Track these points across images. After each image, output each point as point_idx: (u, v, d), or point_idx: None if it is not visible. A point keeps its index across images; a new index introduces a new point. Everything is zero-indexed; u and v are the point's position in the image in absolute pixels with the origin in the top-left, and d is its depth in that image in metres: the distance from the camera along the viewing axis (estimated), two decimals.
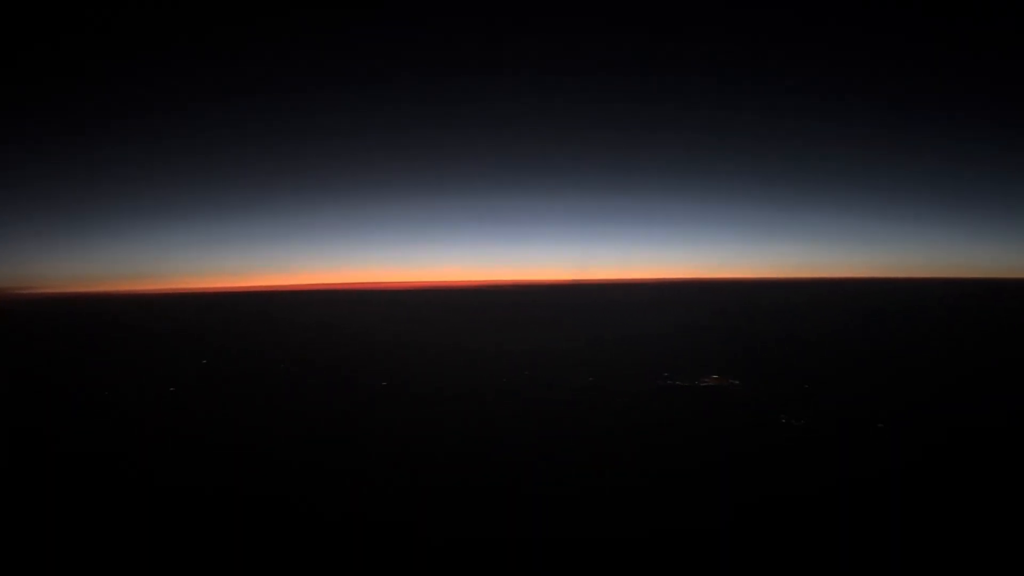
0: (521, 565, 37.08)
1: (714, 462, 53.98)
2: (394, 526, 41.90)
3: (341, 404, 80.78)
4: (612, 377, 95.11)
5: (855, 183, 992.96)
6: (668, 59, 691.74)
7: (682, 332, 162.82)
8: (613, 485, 48.78)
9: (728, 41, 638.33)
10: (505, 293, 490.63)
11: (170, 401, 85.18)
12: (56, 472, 54.33)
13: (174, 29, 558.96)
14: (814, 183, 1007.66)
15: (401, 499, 46.78)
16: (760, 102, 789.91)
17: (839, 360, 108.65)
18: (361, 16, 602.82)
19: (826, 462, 53.57)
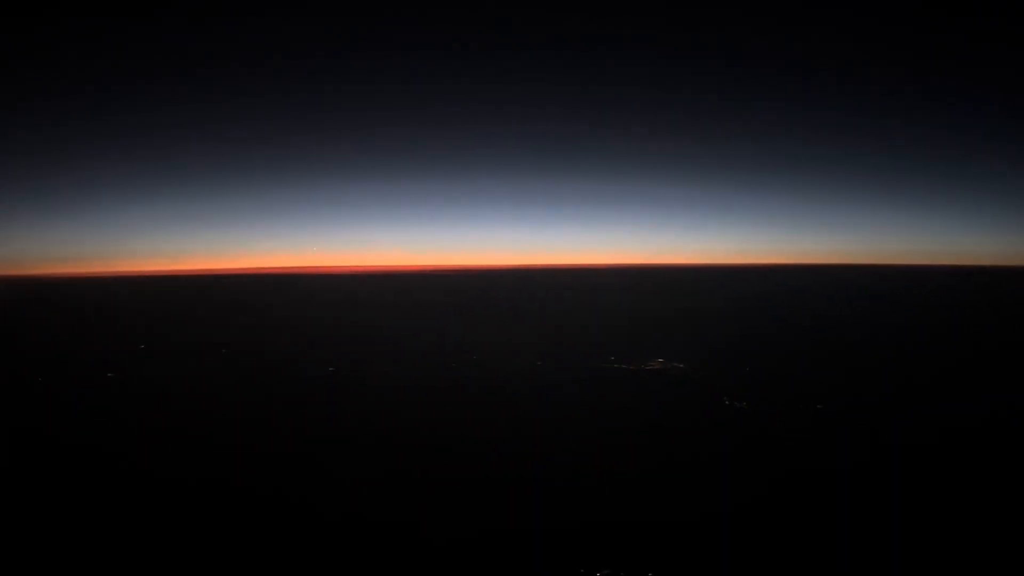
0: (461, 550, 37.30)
1: (658, 442, 55.11)
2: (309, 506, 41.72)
3: (289, 390, 79.75)
4: (559, 360, 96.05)
5: (819, 167, 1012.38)
6: (621, 39, 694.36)
7: (633, 317, 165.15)
8: (542, 473, 49.32)
9: (690, 21, 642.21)
10: (452, 278, 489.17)
11: (109, 386, 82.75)
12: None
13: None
14: (777, 168, 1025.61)
15: (349, 486, 46.61)
16: (721, 85, 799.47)
17: (786, 345, 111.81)
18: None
19: (768, 442, 55.20)
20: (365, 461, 51.10)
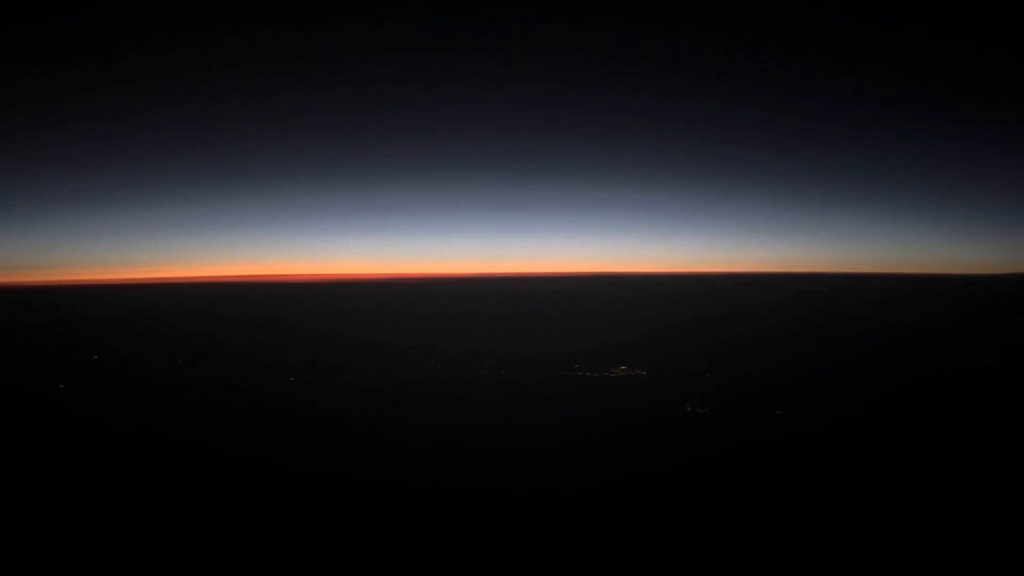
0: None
1: (627, 448, 55.52)
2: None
3: (241, 401, 78.49)
4: (524, 369, 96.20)
5: (791, 176, 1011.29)
6: (599, 43, 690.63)
7: (599, 324, 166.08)
8: (502, 480, 49.28)
9: (667, 27, 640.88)
10: (417, 286, 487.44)
11: (61, 398, 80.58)
12: None
13: None
14: (748, 176, 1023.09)
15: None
16: (692, 93, 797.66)
17: (749, 352, 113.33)
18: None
19: (729, 448, 55.92)
20: (328, 468, 50.53)
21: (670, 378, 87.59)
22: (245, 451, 56.33)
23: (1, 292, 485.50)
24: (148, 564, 35.96)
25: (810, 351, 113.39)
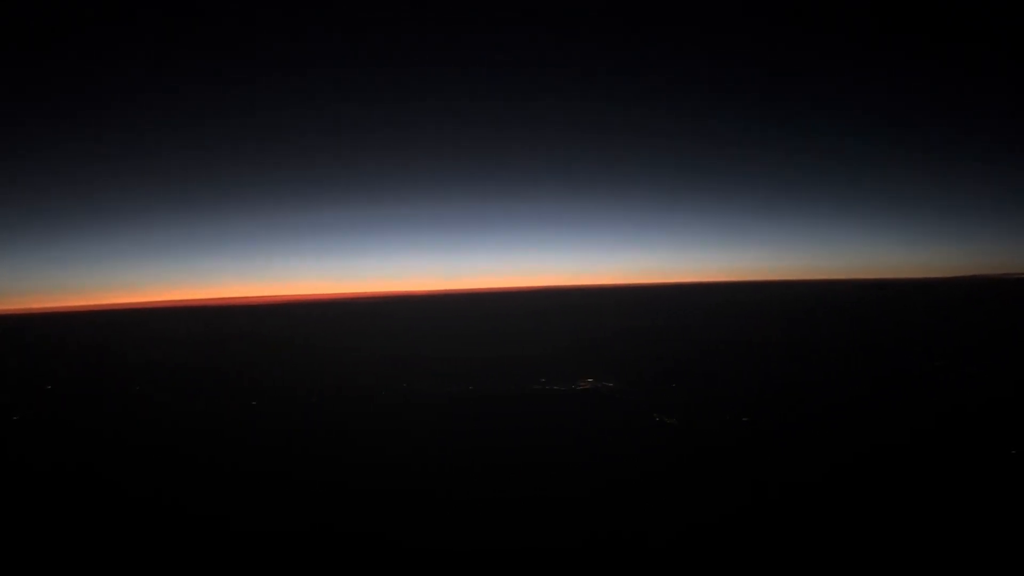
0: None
1: (596, 459, 55.82)
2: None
3: (199, 426, 76.86)
4: (490, 385, 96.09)
5: (723, 182, 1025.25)
6: (578, 56, 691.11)
7: (564, 338, 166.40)
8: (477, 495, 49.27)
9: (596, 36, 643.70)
10: (374, 304, 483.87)
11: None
12: None
13: None
14: (685, 185, 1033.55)
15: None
16: (624, 98, 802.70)
17: (712, 361, 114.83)
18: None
19: (697, 456, 56.63)
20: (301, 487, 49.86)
21: (636, 389, 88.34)
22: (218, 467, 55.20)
23: None
24: None
25: (771, 357, 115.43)
